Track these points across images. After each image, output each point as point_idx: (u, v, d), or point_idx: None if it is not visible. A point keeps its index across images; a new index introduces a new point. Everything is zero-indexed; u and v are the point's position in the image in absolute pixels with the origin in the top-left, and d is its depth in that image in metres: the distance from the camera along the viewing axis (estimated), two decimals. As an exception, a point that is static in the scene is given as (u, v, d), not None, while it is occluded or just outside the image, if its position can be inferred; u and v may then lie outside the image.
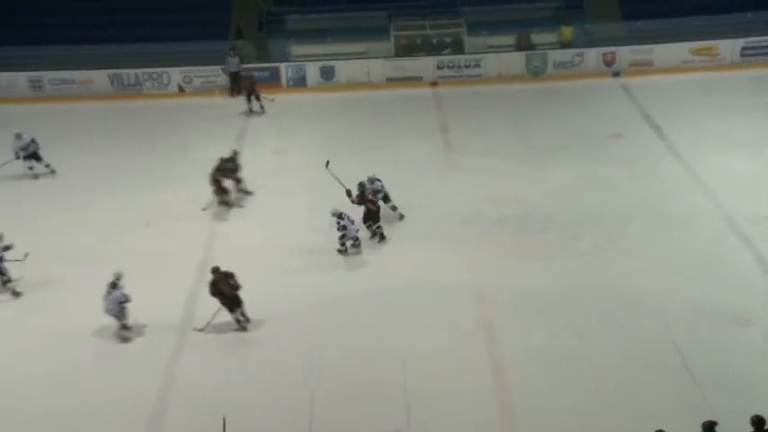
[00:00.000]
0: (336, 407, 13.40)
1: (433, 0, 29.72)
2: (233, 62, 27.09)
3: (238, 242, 18.18)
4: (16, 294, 16.81)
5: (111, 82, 27.75)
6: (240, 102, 26.44)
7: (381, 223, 18.18)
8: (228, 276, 15.18)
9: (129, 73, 27.73)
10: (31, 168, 21.50)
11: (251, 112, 26.04)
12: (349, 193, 17.91)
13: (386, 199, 18.65)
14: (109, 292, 15.06)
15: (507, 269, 16.86)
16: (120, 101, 27.25)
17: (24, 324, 15.93)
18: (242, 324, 15.42)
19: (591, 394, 13.45)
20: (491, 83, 27.65)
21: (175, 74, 27.87)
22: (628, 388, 13.53)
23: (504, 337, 14.83)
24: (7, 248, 16.61)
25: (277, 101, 26.03)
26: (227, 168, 19.80)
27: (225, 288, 15.13)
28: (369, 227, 18.17)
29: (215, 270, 15.21)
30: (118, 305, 15.05)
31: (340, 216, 17.50)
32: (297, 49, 28.66)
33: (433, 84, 27.77)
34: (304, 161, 20.56)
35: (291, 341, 14.98)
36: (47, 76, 27.60)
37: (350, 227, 17.56)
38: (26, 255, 16.62)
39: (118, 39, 27.99)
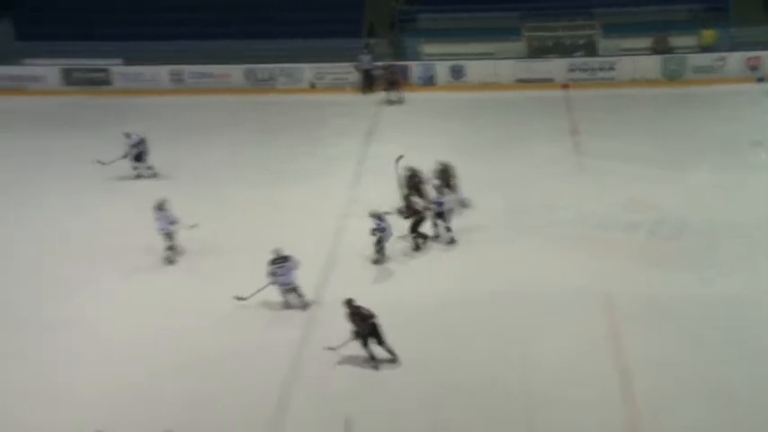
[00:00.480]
0: (460, 408, 13.31)
1: (567, 1, 29.23)
2: (365, 59, 27.41)
3: (364, 242, 17.96)
4: (171, 262, 17.62)
5: (246, 76, 28.55)
6: (371, 99, 26.86)
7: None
8: (367, 316, 14.09)
9: (264, 68, 28.47)
10: (135, 168, 21.52)
11: (390, 102, 26.40)
12: (406, 207, 17.50)
13: (444, 218, 17.76)
14: (281, 266, 15.59)
15: (637, 276, 16.39)
16: (253, 95, 28.01)
17: (176, 301, 16.44)
18: (376, 362, 14.21)
19: (722, 413, 12.89)
20: (625, 86, 27.00)
21: (308, 70, 28.43)
22: (762, 409, 12.89)
23: (632, 347, 14.39)
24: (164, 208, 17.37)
25: (407, 99, 26.33)
26: (445, 177, 18.84)
27: (358, 323, 14.19)
28: (414, 238, 17.67)
29: (348, 302, 14.19)
30: (294, 274, 15.65)
31: (379, 217, 16.74)
32: (427, 48, 28.76)
33: (564, 86, 27.29)
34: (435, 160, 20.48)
35: (413, 343, 14.68)
36: (187, 69, 28.68)
37: (388, 229, 16.94)
38: (193, 225, 17.47)
39: (254, 35, 28.81)
